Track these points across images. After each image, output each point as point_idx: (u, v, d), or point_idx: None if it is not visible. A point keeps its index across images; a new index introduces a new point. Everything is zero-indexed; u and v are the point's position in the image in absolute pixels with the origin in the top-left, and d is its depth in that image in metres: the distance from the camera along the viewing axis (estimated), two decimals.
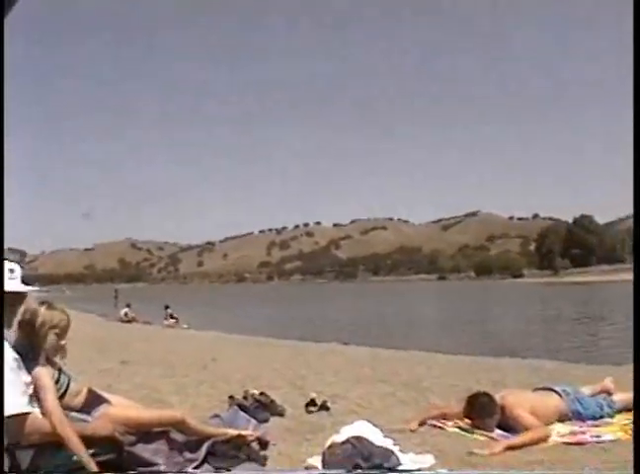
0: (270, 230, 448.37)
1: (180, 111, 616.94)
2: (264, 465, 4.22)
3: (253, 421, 5.02)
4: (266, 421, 5.56)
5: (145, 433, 4.21)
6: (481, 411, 5.16)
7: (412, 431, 4.90)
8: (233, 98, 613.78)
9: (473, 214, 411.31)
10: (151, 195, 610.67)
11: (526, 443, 4.72)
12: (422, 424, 5.31)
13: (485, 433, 5.06)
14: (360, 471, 3.95)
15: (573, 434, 5.00)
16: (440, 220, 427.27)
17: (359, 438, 4.26)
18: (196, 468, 4.18)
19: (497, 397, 5.25)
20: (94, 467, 3.58)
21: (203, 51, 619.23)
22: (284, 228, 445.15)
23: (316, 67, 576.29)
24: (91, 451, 3.77)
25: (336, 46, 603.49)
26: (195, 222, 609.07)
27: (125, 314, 27.42)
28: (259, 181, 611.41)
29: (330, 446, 4.27)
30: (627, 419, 5.29)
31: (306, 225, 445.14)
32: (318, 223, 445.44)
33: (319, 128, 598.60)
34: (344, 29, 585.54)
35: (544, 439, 4.76)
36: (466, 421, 5.26)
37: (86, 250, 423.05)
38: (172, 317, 25.92)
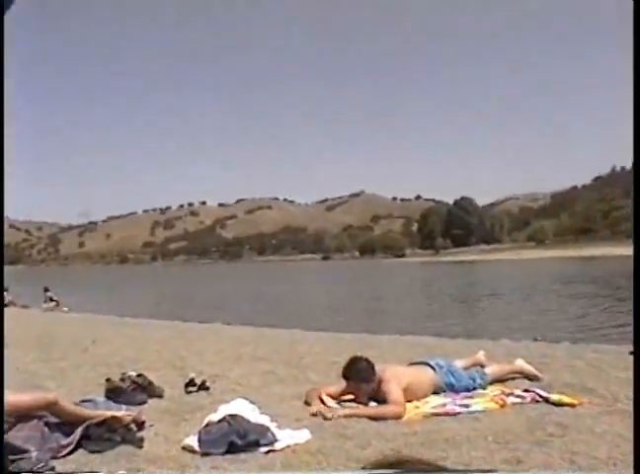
0: (154, 210, 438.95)
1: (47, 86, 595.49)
2: (140, 447, 4.20)
3: (124, 406, 4.98)
4: (143, 403, 5.52)
5: (17, 418, 4.10)
6: (357, 375, 5.29)
7: (313, 414, 4.94)
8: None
9: (357, 195, 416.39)
10: (28, 172, 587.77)
11: (372, 416, 4.85)
12: (307, 403, 5.37)
13: (358, 403, 5.23)
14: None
15: (443, 405, 5.17)
16: (324, 200, 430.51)
17: (234, 416, 4.30)
18: (70, 453, 4.12)
19: (377, 369, 5.37)
20: None
21: None
22: (169, 208, 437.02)
23: None
24: None
25: None
26: (76, 201, 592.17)
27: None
28: (143, 159, 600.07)
29: (206, 425, 4.30)
30: (498, 390, 5.57)
31: (191, 205, 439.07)
32: (203, 203, 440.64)
33: (204, 108, 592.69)
34: None
35: (396, 417, 4.83)
36: (347, 397, 5.38)
37: None
38: (52, 300, 25.10)
